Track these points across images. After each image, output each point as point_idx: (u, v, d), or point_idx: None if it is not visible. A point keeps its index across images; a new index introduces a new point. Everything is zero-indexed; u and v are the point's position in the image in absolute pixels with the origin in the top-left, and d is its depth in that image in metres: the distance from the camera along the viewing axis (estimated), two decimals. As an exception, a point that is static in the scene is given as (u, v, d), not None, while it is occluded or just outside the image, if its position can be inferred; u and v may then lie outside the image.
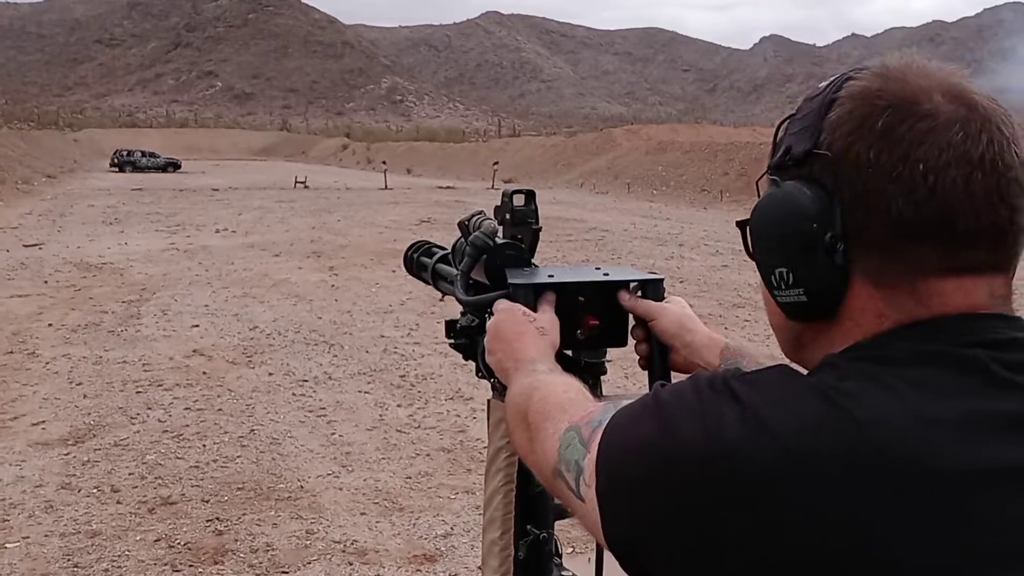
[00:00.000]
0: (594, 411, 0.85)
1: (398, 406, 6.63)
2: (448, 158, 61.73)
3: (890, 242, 0.76)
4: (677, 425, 0.74)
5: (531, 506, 1.37)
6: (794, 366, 0.79)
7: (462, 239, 1.35)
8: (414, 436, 5.96)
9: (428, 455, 5.61)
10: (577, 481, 0.82)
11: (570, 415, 0.88)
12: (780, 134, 0.85)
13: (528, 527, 1.38)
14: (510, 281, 1.22)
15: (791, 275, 0.81)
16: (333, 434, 5.99)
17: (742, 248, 0.89)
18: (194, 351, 8.21)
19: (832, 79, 0.82)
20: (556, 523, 1.44)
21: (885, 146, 0.74)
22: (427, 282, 1.56)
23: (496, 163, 46.68)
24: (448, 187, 39.83)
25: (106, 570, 4.11)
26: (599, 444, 0.79)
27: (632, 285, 1.26)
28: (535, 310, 1.16)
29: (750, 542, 0.69)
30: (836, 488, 0.68)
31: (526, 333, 1.11)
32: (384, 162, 44.52)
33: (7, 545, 4.35)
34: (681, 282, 12.36)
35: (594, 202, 31.28)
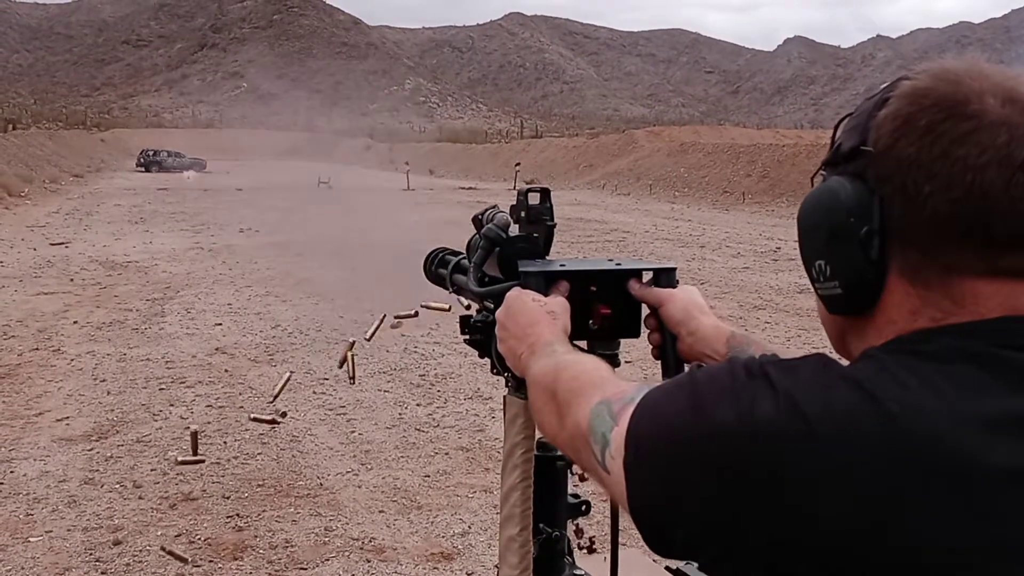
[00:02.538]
0: (627, 389, 0.86)
1: (417, 405, 6.65)
2: (470, 159, 61.84)
3: (927, 240, 0.76)
4: (710, 404, 0.75)
5: (545, 505, 1.38)
6: (833, 356, 0.80)
7: (477, 236, 1.36)
8: (433, 435, 5.97)
9: (447, 454, 5.62)
10: (603, 453, 0.83)
11: (602, 391, 0.89)
12: (837, 132, 0.86)
13: (540, 525, 1.38)
14: (521, 269, 1.22)
15: (828, 268, 0.82)
16: (353, 432, 6.02)
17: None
18: (217, 349, 8.27)
19: (892, 81, 0.83)
20: (569, 522, 1.44)
21: (926, 144, 0.75)
22: (448, 289, 1.57)
23: (518, 164, 46.71)
24: (470, 188, 39.91)
25: (127, 565, 4.15)
26: (630, 418, 0.80)
27: (645, 275, 1.26)
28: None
29: (772, 520, 0.70)
30: (862, 475, 0.68)
31: (538, 319, 1.11)
32: (407, 163, 44.64)
33: (31, 539, 4.40)
34: (702, 283, 12.31)
35: (616, 203, 31.23)
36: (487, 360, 1.37)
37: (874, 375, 0.73)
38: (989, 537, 0.67)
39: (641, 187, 38.30)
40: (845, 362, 0.80)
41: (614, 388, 0.88)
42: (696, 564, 0.79)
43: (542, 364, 1.02)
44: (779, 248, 16.69)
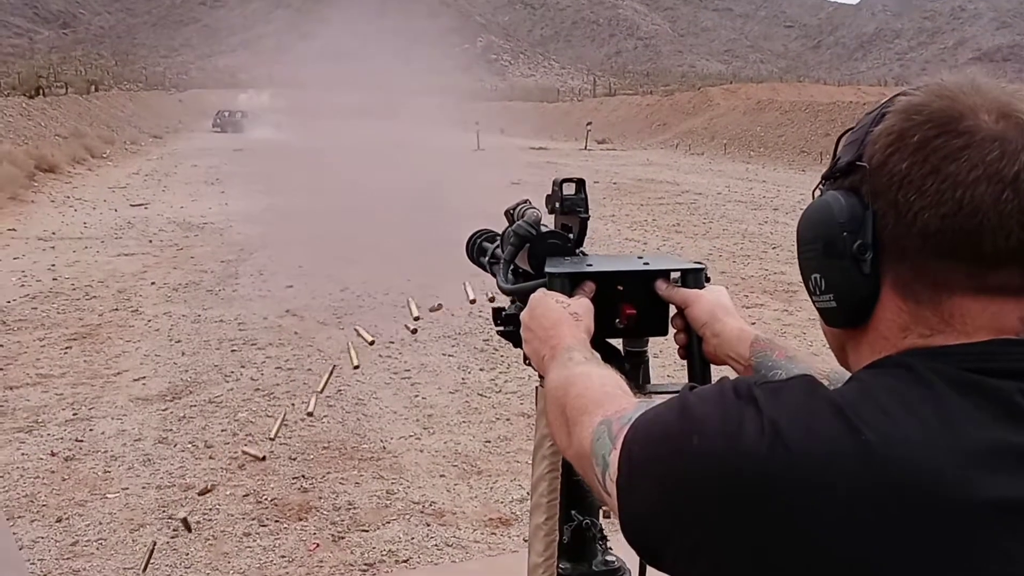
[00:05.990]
0: (627, 408, 0.87)
1: (480, 370, 6.71)
2: (542, 118, 61.41)
3: (918, 256, 0.76)
4: (698, 427, 0.76)
5: (576, 493, 1.39)
6: (819, 377, 0.80)
7: (509, 229, 1.36)
8: (495, 400, 6.04)
9: (508, 420, 5.68)
10: (604, 475, 0.84)
11: (605, 409, 0.89)
12: (839, 146, 0.87)
13: (573, 512, 1.40)
14: (547, 270, 1.22)
15: (824, 281, 0.83)
16: (416, 396, 6.12)
17: None
18: (287, 311, 8.46)
19: (891, 96, 0.83)
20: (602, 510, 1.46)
21: (918, 159, 0.75)
22: (485, 269, 1.58)
23: (589, 123, 46.15)
24: (541, 148, 39.69)
25: (197, 523, 4.31)
26: (623, 440, 0.81)
27: (672, 274, 1.25)
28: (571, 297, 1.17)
29: (756, 542, 0.71)
30: (840, 506, 0.69)
31: (561, 320, 1.11)
32: (477, 122, 44.51)
33: (108, 495, 4.60)
34: (774, 248, 12.10)
35: (688, 164, 30.78)
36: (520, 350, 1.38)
37: (857, 401, 0.73)
38: (966, 572, 0.67)
39: (716, 147, 37.64)
40: (838, 374, 0.79)
41: (616, 406, 0.89)
42: None
43: (555, 375, 1.03)
44: (855, 211, 16.20)
